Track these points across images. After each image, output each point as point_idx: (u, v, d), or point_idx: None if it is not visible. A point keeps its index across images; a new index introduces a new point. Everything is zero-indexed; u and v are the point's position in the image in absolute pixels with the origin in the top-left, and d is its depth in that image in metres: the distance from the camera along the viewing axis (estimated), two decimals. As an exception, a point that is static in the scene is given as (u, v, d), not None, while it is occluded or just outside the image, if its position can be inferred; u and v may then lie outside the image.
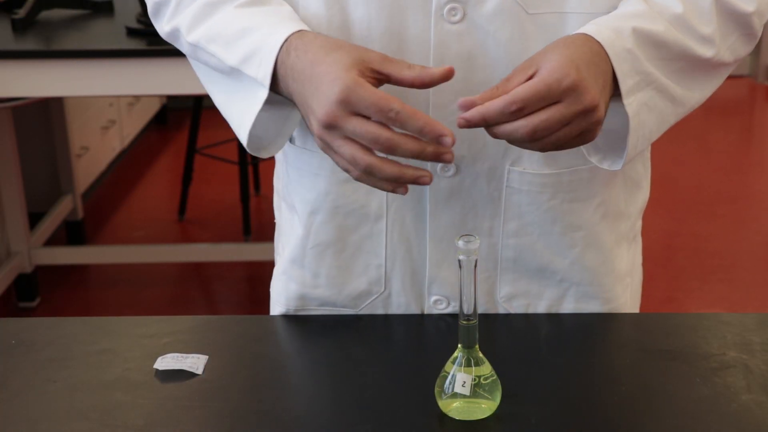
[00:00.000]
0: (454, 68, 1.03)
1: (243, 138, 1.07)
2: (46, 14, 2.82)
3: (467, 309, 0.96)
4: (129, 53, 2.54)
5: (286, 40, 1.01)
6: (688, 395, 1.01)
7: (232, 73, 1.07)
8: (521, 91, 0.94)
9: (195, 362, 1.07)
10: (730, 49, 1.10)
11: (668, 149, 4.42)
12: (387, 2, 1.05)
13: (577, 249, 1.16)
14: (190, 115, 3.74)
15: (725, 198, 4.05)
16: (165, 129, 4.96)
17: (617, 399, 1.01)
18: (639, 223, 1.26)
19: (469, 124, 0.94)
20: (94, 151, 3.92)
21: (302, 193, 1.17)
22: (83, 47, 2.57)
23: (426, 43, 1.06)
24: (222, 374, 1.06)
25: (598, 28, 1.01)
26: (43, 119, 3.57)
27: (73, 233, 3.70)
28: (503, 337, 1.15)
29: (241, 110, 1.07)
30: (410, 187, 1.12)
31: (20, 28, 2.69)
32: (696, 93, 1.10)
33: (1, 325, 1.18)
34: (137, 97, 4.45)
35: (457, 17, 1.05)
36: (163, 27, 1.14)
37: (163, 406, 1.01)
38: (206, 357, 1.09)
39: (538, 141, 0.96)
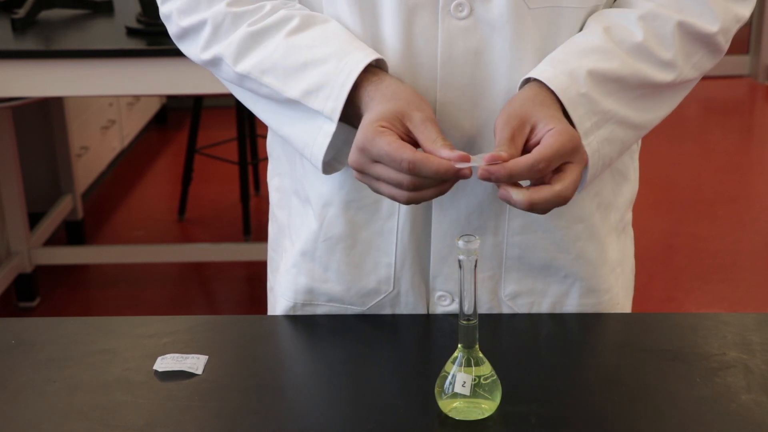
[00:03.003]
0: (461, 64, 1.07)
1: (317, 166, 1.09)
2: (46, 14, 2.82)
3: (467, 309, 0.96)
4: (129, 53, 2.53)
5: (357, 79, 1.03)
6: (688, 395, 1.01)
7: (289, 103, 1.08)
8: (545, 151, 0.97)
9: (195, 362, 1.07)
10: (695, 67, 1.12)
11: (668, 149, 4.42)
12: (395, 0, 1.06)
13: (580, 242, 1.16)
14: (190, 115, 3.74)
15: (725, 198, 4.05)
16: (165, 129, 4.96)
17: (617, 399, 1.01)
18: (629, 215, 1.27)
19: (491, 178, 0.96)
20: (94, 151, 3.92)
21: (317, 186, 1.17)
22: (83, 47, 2.57)
23: (434, 40, 1.07)
24: (222, 374, 1.06)
25: (554, 73, 1.05)
26: (43, 119, 3.56)
27: (73, 233, 3.70)
28: (504, 337, 1.15)
29: (304, 140, 1.09)
30: None
31: (20, 28, 2.69)
32: (658, 113, 1.13)
33: (1, 325, 1.18)
34: (137, 97, 4.45)
35: (464, 13, 1.06)
36: (198, 54, 1.13)
37: (163, 406, 1.01)
38: (206, 357, 1.09)
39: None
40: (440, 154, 0.96)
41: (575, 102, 1.04)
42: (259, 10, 1.10)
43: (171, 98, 4.99)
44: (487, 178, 0.96)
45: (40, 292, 3.32)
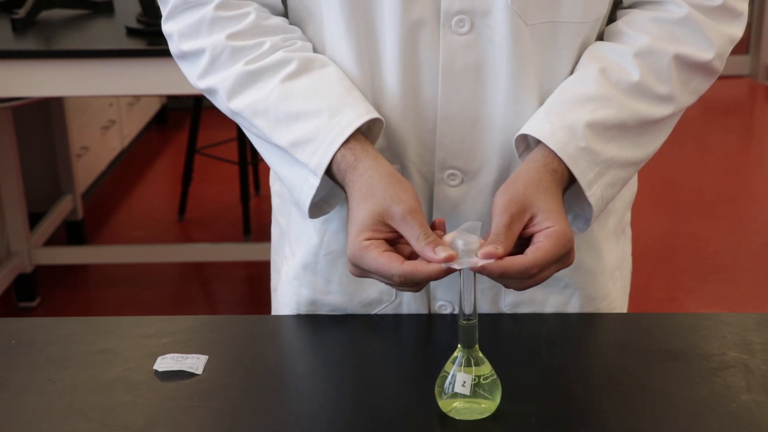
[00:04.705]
0: (462, 79, 1.07)
1: (304, 211, 1.09)
2: (46, 14, 2.82)
3: (467, 309, 0.96)
4: (129, 53, 2.53)
5: (346, 142, 1.03)
6: (688, 395, 1.01)
7: (278, 148, 1.08)
8: (541, 257, 0.96)
9: (195, 362, 1.07)
10: (692, 93, 1.12)
11: (668, 149, 4.41)
12: (398, 15, 1.05)
13: (579, 253, 1.16)
14: (190, 115, 3.74)
15: (725, 198, 4.05)
16: (165, 129, 4.96)
17: (617, 399, 1.01)
18: (627, 216, 1.27)
19: (484, 273, 0.95)
20: (94, 151, 3.92)
21: None
22: (83, 47, 2.57)
23: (435, 55, 1.07)
24: (222, 374, 1.06)
25: (551, 129, 1.04)
26: (43, 119, 3.56)
27: (73, 233, 3.70)
28: (503, 337, 1.15)
29: (291, 183, 1.09)
30: (419, 196, 1.13)
31: (20, 28, 2.69)
32: (657, 143, 1.13)
33: (1, 325, 1.18)
34: (137, 97, 4.45)
35: (465, 28, 1.05)
36: (195, 81, 1.13)
37: (163, 406, 1.01)
38: (206, 357, 1.09)
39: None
40: (426, 255, 0.95)
41: (575, 157, 1.04)
42: (258, 47, 1.08)
43: (171, 98, 4.99)
44: (479, 272, 0.95)
45: (40, 292, 3.32)
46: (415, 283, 0.96)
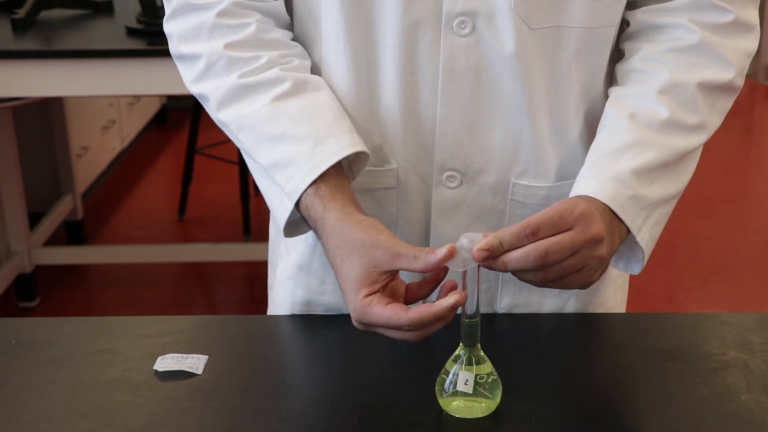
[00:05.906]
0: (462, 81, 1.06)
1: (280, 229, 1.09)
2: (46, 14, 2.82)
3: (469, 308, 0.96)
4: (129, 53, 2.54)
5: (318, 182, 1.02)
6: (688, 395, 1.01)
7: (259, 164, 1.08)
8: (534, 217, 0.96)
9: (195, 362, 1.07)
10: (720, 113, 1.12)
11: (668, 149, 4.41)
12: (398, 14, 1.05)
13: None
14: (190, 115, 3.74)
15: (725, 198, 4.05)
16: (165, 129, 4.96)
17: (617, 399, 1.01)
18: None
19: (488, 253, 0.94)
20: (94, 151, 3.92)
21: None
22: (83, 47, 2.57)
23: (435, 56, 1.06)
24: (222, 374, 1.07)
25: (599, 184, 1.03)
26: (43, 119, 3.56)
27: (73, 233, 3.70)
28: (504, 336, 1.15)
29: (270, 199, 1.09)
30: (417, 197, 1.13)
31: (20, 28, 2.69)
32: (692, 167, 1.12)
33: (1, 325, 1.18)
34: (137, 97, 4.45)
35: (467, 30, 1.05)
36: (188, 84, 1.12)
37: (163, 406, 1.01)
38: (206, 357, 1.09)
39: (546, 269, 0.96)
40: (429, 261, 0.93)
41: (625, 205, 1.03)
42: (255, 61, 1.07)
43: (171, 98, 4.99)
44: (485, 257, 0.94)
45: (40, 292, 3.32)
46: (424, 326, 0.95)
